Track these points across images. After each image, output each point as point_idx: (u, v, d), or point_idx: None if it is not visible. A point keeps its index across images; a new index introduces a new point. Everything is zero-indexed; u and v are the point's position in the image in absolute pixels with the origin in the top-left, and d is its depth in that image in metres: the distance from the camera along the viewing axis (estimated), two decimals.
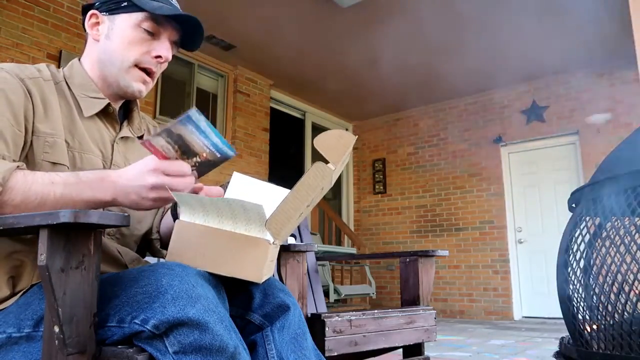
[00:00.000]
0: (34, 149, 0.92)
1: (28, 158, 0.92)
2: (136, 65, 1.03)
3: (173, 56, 1.08)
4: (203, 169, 0.92)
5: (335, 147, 0.86)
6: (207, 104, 5.64)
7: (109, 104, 1.05)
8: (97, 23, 1.05)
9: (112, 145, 1.06)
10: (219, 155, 0.89)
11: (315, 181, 0.83)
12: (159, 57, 1.04)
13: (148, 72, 1.05)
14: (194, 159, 0.88)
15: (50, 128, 0.95)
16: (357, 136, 0.90)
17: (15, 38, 3.77)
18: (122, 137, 1.08)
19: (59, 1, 4.07)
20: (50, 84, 0.99)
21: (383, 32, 4.97)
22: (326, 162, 0.86)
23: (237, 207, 0.83)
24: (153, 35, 1.04)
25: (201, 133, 0.82)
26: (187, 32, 1.08)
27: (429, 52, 5.37)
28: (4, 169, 0.81)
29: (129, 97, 1.09)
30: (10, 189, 0.81)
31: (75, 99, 1.02)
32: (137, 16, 1.02)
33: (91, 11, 1.06)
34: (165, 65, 1.09)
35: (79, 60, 1.08)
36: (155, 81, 1.10)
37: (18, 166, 0.84)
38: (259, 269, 0.85)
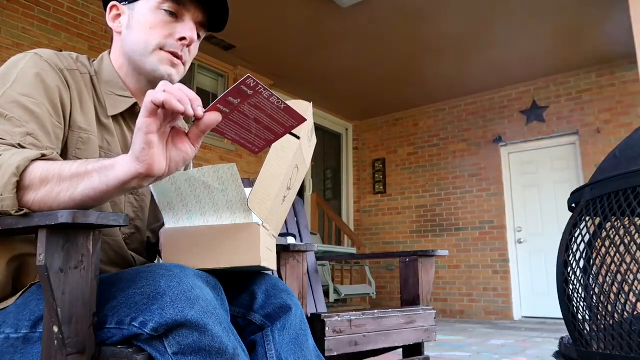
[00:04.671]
0: (68, 143, 0.89)
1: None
2: (161, 49, 0.96)
3: None
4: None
5: None
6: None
7: (135, 104, 1.00)
8: (118, 15, 1.01)
9: None
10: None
11: (284, 153, 0.81)
12: (183, 39, 0.96)
13: (175, 57, 0.97)
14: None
15: (86, 123, 0.92)
16: (311, 102, 0.88)
17: (15, 38, 3.76)
18: None
19: (59, 1, 4.07)
20: (86, 77, 0.97)
21: (383, 32, 4.98)
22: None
23: (219, 197, 0.84)
24: (175, 17, 0.97)
25: None
26: (211, 11, 1.00)
27: (428, 52, 5.37)
28: (10, 173, 0.69)
29: None
30: (28, 188, 0.71)
31: (102, 96, 0.98)
32: None
33: (111, 3, 1.02)
34: (194, 51, 1.02)
35: (109, 54, 1.03)
36: (187, 68, 1.02)
37: (43, 154, 0.73)
38: (255, 252, 0.85)
